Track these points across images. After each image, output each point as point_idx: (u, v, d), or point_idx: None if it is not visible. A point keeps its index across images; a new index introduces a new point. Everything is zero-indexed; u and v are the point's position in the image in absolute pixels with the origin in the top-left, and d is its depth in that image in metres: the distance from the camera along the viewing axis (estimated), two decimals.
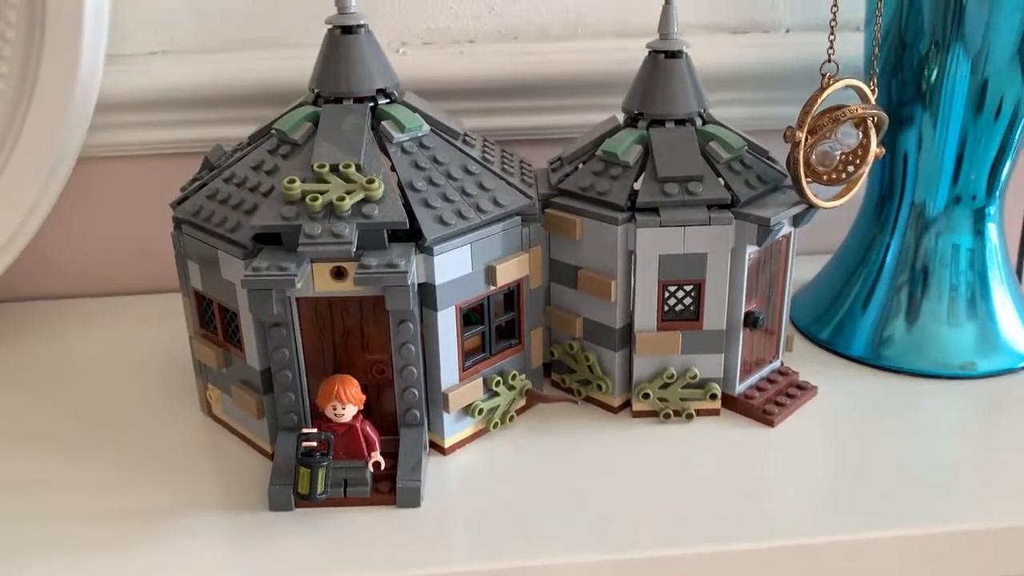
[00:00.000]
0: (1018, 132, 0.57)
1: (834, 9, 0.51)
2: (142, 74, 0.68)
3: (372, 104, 0.52)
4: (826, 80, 0.50)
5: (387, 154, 0.51)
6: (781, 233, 0.54)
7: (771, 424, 0.55)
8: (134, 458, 0.53)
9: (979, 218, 0.59)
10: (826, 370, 0.61)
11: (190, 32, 0.69)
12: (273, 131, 0.52)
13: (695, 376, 0.54)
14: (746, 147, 0.54)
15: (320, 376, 0.50)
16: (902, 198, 0.60)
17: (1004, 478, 0.50)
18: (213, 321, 0.53)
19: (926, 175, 0.59)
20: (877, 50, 0.53)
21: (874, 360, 0.61)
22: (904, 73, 0.57)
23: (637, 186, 0.53)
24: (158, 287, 0.75)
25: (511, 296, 0.54)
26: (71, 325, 0.71)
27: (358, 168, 0.48)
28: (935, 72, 0.56)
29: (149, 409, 0.58)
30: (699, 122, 0.55)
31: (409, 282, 0.46)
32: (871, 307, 0.61)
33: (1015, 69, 0.55)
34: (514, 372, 0.54)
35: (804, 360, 0.62)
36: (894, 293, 0.60)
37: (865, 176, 0.54)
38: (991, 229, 0.59)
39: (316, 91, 0.53)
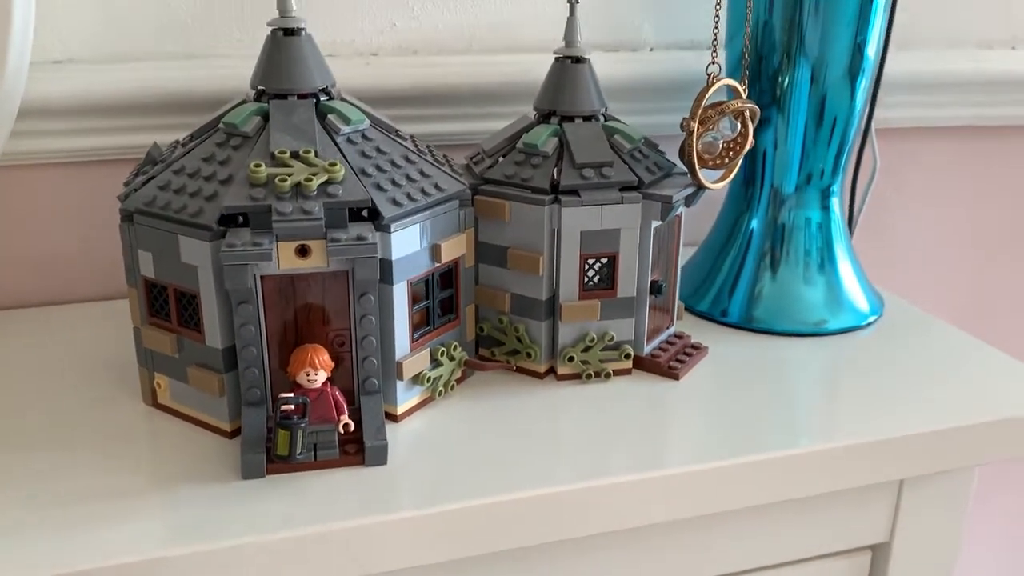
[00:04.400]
0: (852, 133, 0.70)
1: (715, 30, 0.61)
2: (43, 83, 0.68)
3: (316, 100, 0.56)
4: (711, 79, 0.60)
5: (336, 145, 0.55)
6: (676, 212, 0.63)
7: (676, 378, 0.63)
8: (89, 448, 0.54)
9: (825, 195, 0.71)
10: (710, 335, 0.70)
11: (95, 42, 0.70)
12: (221, 125, 0.55)
13: (612, 339, 0.62)
14: (643, 140, 0.63)
15: (281, 351, 0.54)
16: (763, 183, 0.71)
17: (848, 412, 0.60)
18: (166, 308, 0.55)
19: (781, 165, 0.70)
20: (747, 55, 0.64)
21: (747, 324, 0.71)
22: (762, 82, 0.69)
23: (554, 174, 0.60)
24: (66, 298, 0.74)
25: (448, 275, 0.60)
26: None
27: (316, 154, 0.53)
28: (786, 81, 0.68)
29: (92, 404, 0.59)
30: (602, 119, 0.63)
31: (377, 254, 0.51)
32: (742, 279, 0.72)
33: (846, 86, 0.67)
34: (454, 344, 0.60)
35: (690, 328, 0.71)
36: (760, 260, 0.71)
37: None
38: (835, 204, 0.71)
39: (260, 88, 0.56)
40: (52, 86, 0.68)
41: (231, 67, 0.72)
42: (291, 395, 0.50)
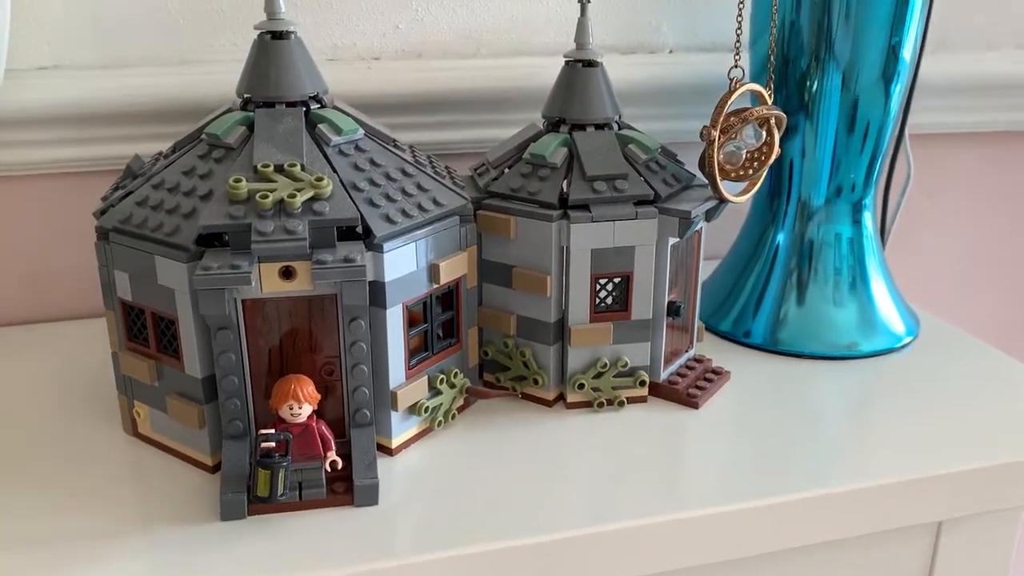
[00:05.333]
0: (886, 141, 0.65)
1: (738, 31, 0.56)
2: (26, 90, 0.65)
3: (305, 109, 0.52)
4: (733, 84, 0.55)
5: (325, 157, 0.51)
6: (696, 227, 0.58)
7: (696, 407, 0.58)
8: (63, 484, 0.50)
9: (857, 209, 0.66)
10: (732, 357, 0.66)
11: (84, 46, 0.66)
12: (204, 136, 0.52)
13: (626, 365, 0.57)
14: (659, 149, 0.59)
15: (264, 381, 0.50)
16: (789, 195, 0.66)
17: (881, 445, 0.55)
18: (144, 332, 0.51)
19: (809, 175, 0.65)
20: (772, 58, 0.59)
21: (772, 346, 0.66)
22: (788, 87, 0.64)
23: (564, 187, 0.56)
24: (51, 315, 0.71)
25: (449, 296, 0.55)
26: None
27: (302, 168, 0.49)
28: (814, 86, 0.63)
29: (72, 434, 0.55)
30: (615, 127, 0.59)
31: (366, 277, 0.46)
32: (766, 298, 0.67)
33: (879, 90, 0.62)
34: (455, 370, 0.55)
35: (711, 350, 0.66)
36: (786, 279, 0.66)
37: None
38: (867, 218, 0.66)
39: (247, 97, 0.52)
40: (35, 94, 0.65)
41: (226, 72, 0.68)
42: (272, 431, 0.46)
